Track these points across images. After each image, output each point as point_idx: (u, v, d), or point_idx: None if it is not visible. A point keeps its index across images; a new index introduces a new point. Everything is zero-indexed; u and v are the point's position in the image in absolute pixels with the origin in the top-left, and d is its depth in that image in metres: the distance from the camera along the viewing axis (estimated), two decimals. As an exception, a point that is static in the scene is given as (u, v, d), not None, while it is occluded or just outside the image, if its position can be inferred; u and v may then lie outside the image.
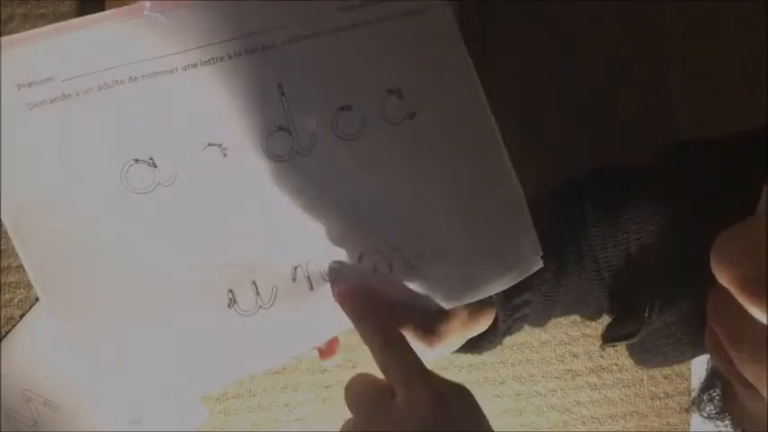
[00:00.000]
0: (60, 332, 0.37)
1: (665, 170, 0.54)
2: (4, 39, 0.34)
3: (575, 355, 0.79)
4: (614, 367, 0.79)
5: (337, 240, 0.41)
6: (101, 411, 0.39)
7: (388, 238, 0.42)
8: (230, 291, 0.40)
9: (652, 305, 0.48)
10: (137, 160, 0.37)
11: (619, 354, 0.79)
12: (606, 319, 0.58)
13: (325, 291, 0.41)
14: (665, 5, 0.72)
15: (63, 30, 0.36)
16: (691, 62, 0.73)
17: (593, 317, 0.59)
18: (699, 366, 0.56)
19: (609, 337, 0.55)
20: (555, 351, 0.79)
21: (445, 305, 0.44)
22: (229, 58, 0.37)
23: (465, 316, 0.48)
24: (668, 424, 0.79)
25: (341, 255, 0.41)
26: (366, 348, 0.39)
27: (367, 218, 0.41)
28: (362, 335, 0.40)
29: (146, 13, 0.36)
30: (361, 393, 0.38)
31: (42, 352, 0.71)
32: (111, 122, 0.36)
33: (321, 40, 0.39)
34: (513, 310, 0.52)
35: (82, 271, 0.37)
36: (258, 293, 0.40)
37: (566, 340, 0.79)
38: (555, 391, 0.79)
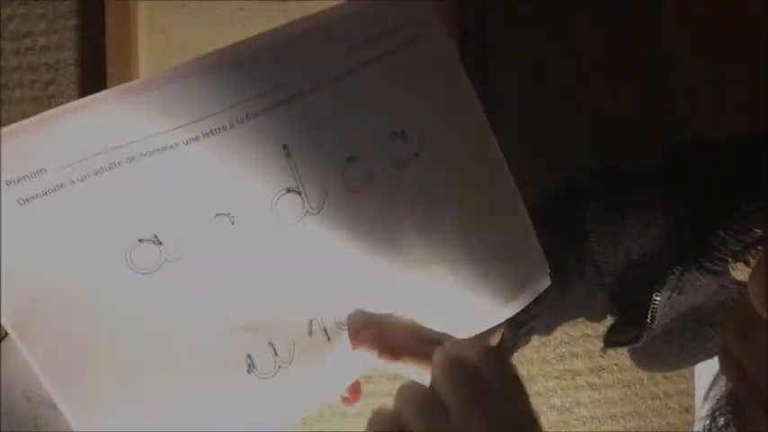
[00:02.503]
0: (76, 426, 0.36)
1: (665, 171, 0.54)
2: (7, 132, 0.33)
3: (575, 355, 0.79)
4: (614, 367, 0.79)
5: (352, 289, 0.40)
6: None
7: (402, 279, 0.41)
8: (248, 356, 0.39)
9: (654, 310, 0.48)
10: (141, 240, 0.36)
11: (619, 354, 0.79)
12: (609, 319, 0.58)
13: (343, 339, 0.41)
14: (665, 5, 0.72)
15: (53, 118, 0.34)
16: (691, 62, 0.73)
17: (597, 319, 0.59)
18: (701, 369, 0.56)
19: (610, 342, 0.55)
20: (555, 351, 0.79)
21: (462, 335, 0.44)
22: (231, 126, 0.36)
23: (477, 342, 0.48)
24: (668, 424, 0.79)
25: (356, 302, 0.41)
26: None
27: (381, 263, 0.40)
28: (403, 372, 0.41)
29: (139, 93, 0.34)
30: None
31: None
32: (110, 205, 0.35)
33: (322, 93, 0.37)
34: (519, 326, 0.52)
35: (92, 359, 0.36)
36: (276, 353, 0.39)
37: (566, 340, 0.79)
38: (555, 391, 0.79)
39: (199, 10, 0.78)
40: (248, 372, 0.39)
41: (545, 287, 0.45)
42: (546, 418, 0.79)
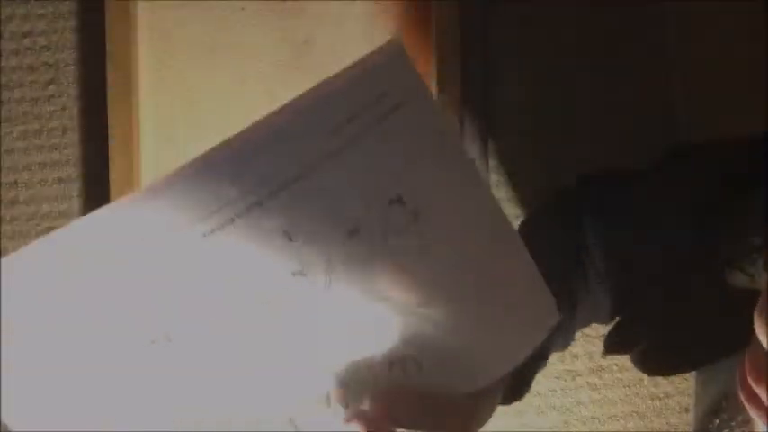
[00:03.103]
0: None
1: (665, 171, 0.54)
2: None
3: (575, 356, 0.79)
4: (614, 367, 0.79)
5: (366, 358, 0.42)
6: None
7: (413, 341, 0.42)
8: None
9: (653, 315, 0.48)
10: (153, 342, 0.37)
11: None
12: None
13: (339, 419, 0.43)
14: (665, 6, 0.72)
15: (65, 233, 0.35)
16: (691, 62, 0.73)
17: (606, 322, 0.59)
18: (700, 374, 0.56)
19: (610, 347, 0.55)
20: (555, 351, 0.79)
21: (473, 388, 0.45)
22: (232, 221, 0.37)
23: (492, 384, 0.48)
24: (668, 424, 0.79)
25: (372, 369, 0.42)
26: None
27: (392, 329, 0.41)
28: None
29: (142, 198, 0.35)
30: None
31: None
32: (120, 306, 0.36)
33: (315, 175, 0.38)
34: (533, 356, 0.52)
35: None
36: (296, 427, 0.41)
37: (566, 340, 0.79)
38: (555, 391, 0.79)
39: (199, 10, 0.77)
40: None
41: (555, 323, 0.46)
42: (546, 418, 0.79)
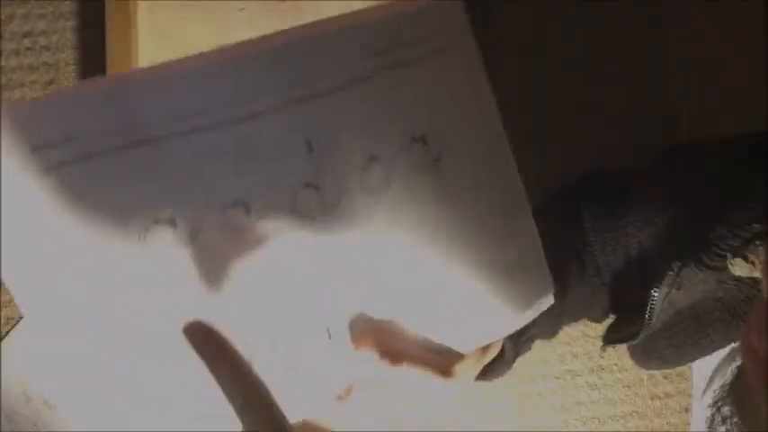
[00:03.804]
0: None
1: (665, 171, 0.54)
2: (20, 102, 0.33)
3: (575, 356, 0.79)
4: (614, 367, 0.79)
5: (358, 291, 0.40)
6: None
7: (410, 288, 0.41)
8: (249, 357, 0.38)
9: (652, 307, 0.48)
10: (156, 221, 0.35)
11: (619, 354, 0.79)
12: (610, 320, 0.58)
13: (344, 341, 0.41)
14: (665, 6, 0.72)
15: (87, 88, 0.34)
16: (691, 62, 0.73)
17: (599, 319, 0.59)
18: (699, 365, 0.56)
19: (610, 339, 0.55)
20: (555, 351, 0.79)
21: (463, 349, 0.44)
22: (256, 117, 0.36)
23: (477, 353, 0.48)
24: (668, 424, 0.79)
25: (361, 306, 0.41)
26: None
27: (391, 270, 0.40)
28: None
29: (175, 74, 0.34)
30: None
31: (42, 352, 0.71)
32: (132, 182, 0.35)
33: (348, 93, 0.37)
34: (519, 335, 0.52)
35: (93, 336, 0.36)
36: (275, 350, 0.39)
37: (566, 340, 0.79)
38: (555, 391, 0.79)
39: (199, 10, 0.78)
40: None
41: (548, 306, 0.45)
42: (546, 418, 0.79)
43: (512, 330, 0.45)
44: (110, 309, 0.36)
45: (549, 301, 0.45)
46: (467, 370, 0.47)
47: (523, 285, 0.44)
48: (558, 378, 0.79)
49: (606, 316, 0.58)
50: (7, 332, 0.71)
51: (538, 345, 0.77)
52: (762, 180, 0.45)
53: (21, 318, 0.71)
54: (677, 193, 0.50)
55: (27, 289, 0.34)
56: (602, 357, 0.79)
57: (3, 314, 0.71)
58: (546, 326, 0.53)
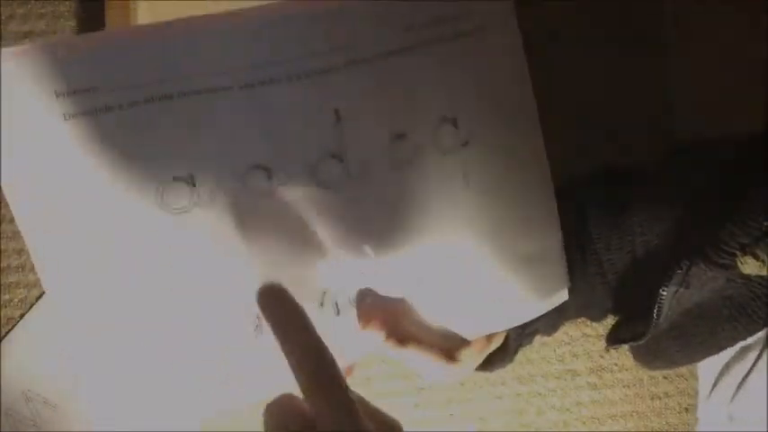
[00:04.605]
0: (75, 355, 0.36)
1: (665, 171, 0.54)
2: (48, 44, 0.32)
3: (575, 355, 0.79)
4: (614, 367, 0.79)
5: (371, 267, 0.40)
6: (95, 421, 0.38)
7: (423, 267, 0.41)
8: (258, 316, 0.38)
9: (660, 305, 0.47)
10: (175, 178, 0.35)
11: (619, 354, 0.79)
12: (609, 320, 0.58)
13: (352, 317, 0.41)
14: (665, 6, 0.72)
15: (112, 38, 0.33)
16: (691, 62, 0.73)
17: (599, 318, 0.59)
18: (705, 365, 0.55)
19: (613, 339, 0.55)
20: (555, 351, 0.79)
21: (470, 335, 0.44)
22: (288, 80, 0.35)
23: (482, 341, 0.48)
24: (668, 424, 0.79)
25: (373, 281, 0.40)
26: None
27: (405, 247, 0.40)
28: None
29: (205, 28, 0.34)
30: (282, 421, 0.32)
31: (42, 352, 0.71)
32: (152, 137, 0.34)
33: (381, 64, 0.36)
34: (523, 327, 0.51)
35: (106, 291, 0.35)
36: None
37: (566, 340, 0.79)
38: (555, 391, 0.79)
39: (199, 11, 0.77)
40: (255, 330, 0.38)
41: (561, 301, 0.45)
42: (546, 418, 0.79)
43: (522, 321, 0.45)
44: (123, 264, 0.35)
45: (563, 296, 0.45)
46: (471, 357, 0.47)
47: (540, 277, 0.44)
48: (558, 378, 0.79)
49: (605, 316, 0.58)
50: (7, 332, 0.71)
51: (538, 345, 0.78)
52: (762, 179, 0.45)
53: (21, 318, 0.71)
54: (682, 193, 0.50)
55: (42, 238, 0.34)
56: (602, 357, 0.79)
57: (3, 314, 0.71)
58: (548, 320, 0.53)
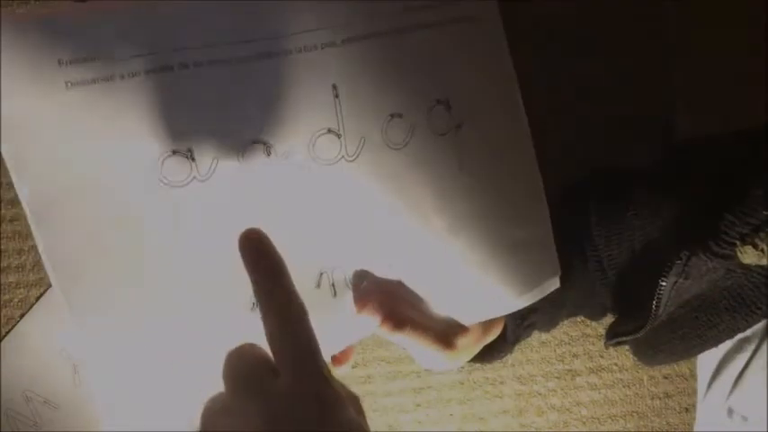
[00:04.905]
0: (75, 327, 0.35)
1: (665, 170, 0.54)
2: (51, 12, 0.32)
3: (575, 355, 0.79)
4: (614, 367, 0.79)
5: (369, 248, 0.40)
6: (101, 408, 0.37)
7: (418, 248, 0.41)
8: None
9: (659, 297, 0.47)
10: (174, 152, 0.35)
11: (619, 354, 0.79)
12: (608, 320, 0.58)
13: (349, 299, 0.41)
14: (665, 5, 0.72)
15: (113, 6, 0.33)
16: (691, 62, 0.73)
17: (598, 317, 0.59)
18: (704, 357, 0.55)
19: (614, 334, 0.55)
20: (555, 351, 0.79)
21: (466, 321, 0.44)
22: (287, 54, 0.35)
23: (480, 330, 0.48)
24: (668, 424, 0.79)
25: (369, 263, 0.40)
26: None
27: (401, 228, 0.40)
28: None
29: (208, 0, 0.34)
30: (241, 365, 0.31)
31: (42, 352, 0.71)
32: (153, 109, 0.34)
33: (380, 42, 0.37)
34: (521, 319, 0.52)
35: (104, 262, 0.35)
36: None
37: (566, 340, 0.79)
38: (555, 391, 0.79)
39: None
40: (252, 309, 0.38)
41: (553, 289, 0.45)
42: (546, 418, 0.79)
43: (515, 308, 0.45)
44: (121, 236, 0.35)
45: (554, 283, 0.45)
46: (468, 345, 0.47)
47: (530, 264, 0.44)
48: (558, 378, 0.79)
49: (604, 314, 0.58)
50: (7, 332, 0.71)
51: (537, 345, 0.78)
52: (762, 178, 0.45)
53: (21, 318, 0.71)
54: (682, 188, 0.50)
55: (42, 209, 0.34)
56: (602, 357, 0.79)
57: (3, 314, 0.71)
58: (546, 315, 0.53)
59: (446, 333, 0.44)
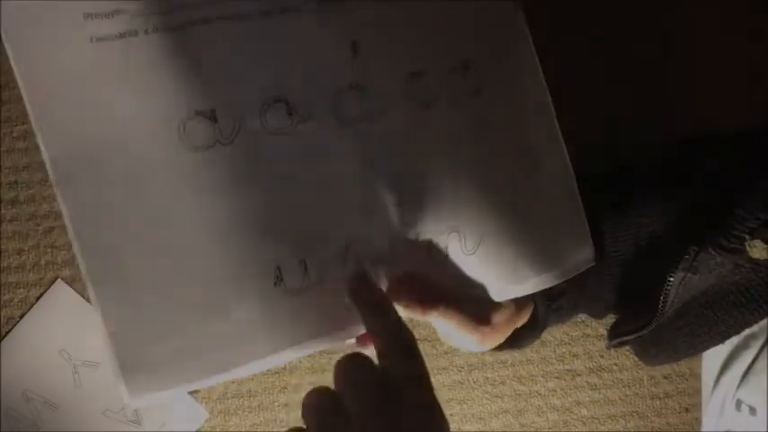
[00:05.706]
0: (93, 294, 0.34)
1: (666, 170, 0.54)
2: None
3: (575, 355, 0.79)
4: (614, 367, 0.79)
5: (394, 219, 0.39)
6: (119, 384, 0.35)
7: (448, 219, 0.40)
8: (278, 268, 0.37)
9: (667, 292, 0.47)
10: (198, 113, 0.34)
11: (619, 354, 0.79)
12: (609, 320, 0.58)
13: (377, 277, 0.39)
14: (665, 5, 0.72)
15: None
16: (691, 62, 0.73)
17: (601, 315, 0.59)
18: (709, 355, 0.55)
19: (616, 334, 0.54)
20: (555, 351, 0.79)
21: (498, 297, 0.43)
22: (305, 9, 0.35)
23: (513, 309, 0.47)
24: (668, 424, 0.79)
25: (396, 235, 0.39)
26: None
27: (429, 196, 0.39)
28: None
29: None
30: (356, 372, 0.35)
31: (42, 352, 0.71)
32: (175, 67, 0.33)
33: (398, 1, 0.37)
34: (552, 300, 0.51)
35: (124, 227, 0.34)
36: (307, 272, 0.37)
37: (566, 340, 0.79)
38: (555, 391, 0.79)
39: None
40: (275, 285, 0.37)
41: (588, 267, 0.44)
42: (546, 418, 0.79)
43: (546, 284, 0.44)
44: (142, 198, 0.34)
45: (588, 258, 0.44)
46: (502, 322, 0.46)
47: (560, 237, 0.43)
48: (558, 378, 0.79)
49: (607, 312, 0.58)
50: (7, 332, 0.71)
51: (537, 345, 0.78)
52: (762, 178, 0.45)
53: (21, 318, 0.71)
54: (687, 187, 0.50)
55: (64, 162, 0.33)
56: (602, 357, 0.79)
57: (3, 314, 0.71)
58: (570, 298, 0.52)
59: (480, 309, 0.44)
